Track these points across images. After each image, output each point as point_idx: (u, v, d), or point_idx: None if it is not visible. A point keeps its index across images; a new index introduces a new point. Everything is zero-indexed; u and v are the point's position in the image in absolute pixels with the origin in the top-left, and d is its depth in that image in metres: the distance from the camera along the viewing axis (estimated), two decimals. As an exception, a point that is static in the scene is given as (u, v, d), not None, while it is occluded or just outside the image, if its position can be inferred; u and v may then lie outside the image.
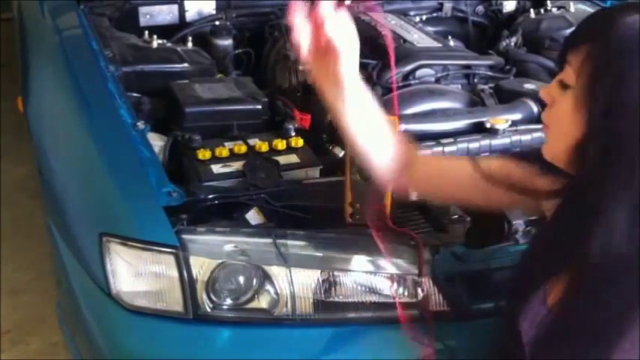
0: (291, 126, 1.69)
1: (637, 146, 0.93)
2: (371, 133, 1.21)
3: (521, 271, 1.18)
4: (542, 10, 2.44)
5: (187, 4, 2.30)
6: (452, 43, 2.22)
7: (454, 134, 1.71)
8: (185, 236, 1.31)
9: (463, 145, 1.68)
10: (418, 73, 1.92)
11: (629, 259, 0.97)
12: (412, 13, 2.45)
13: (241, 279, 1.31)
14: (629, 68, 0.93)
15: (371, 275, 1.35)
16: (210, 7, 2.33)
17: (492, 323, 1.29)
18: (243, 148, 1.61)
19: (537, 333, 1.08)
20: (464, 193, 1.27)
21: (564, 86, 1.01)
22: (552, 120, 1.05)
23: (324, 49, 1.10)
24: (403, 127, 1.61)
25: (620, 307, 0.99)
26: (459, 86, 1.95)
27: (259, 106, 1.78)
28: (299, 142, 1.65)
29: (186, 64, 1.98)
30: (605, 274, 0.99)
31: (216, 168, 1.56)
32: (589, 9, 2.43)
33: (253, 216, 1.42)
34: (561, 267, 1.07)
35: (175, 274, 1.29)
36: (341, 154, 1.64)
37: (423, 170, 1.27)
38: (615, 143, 0.95)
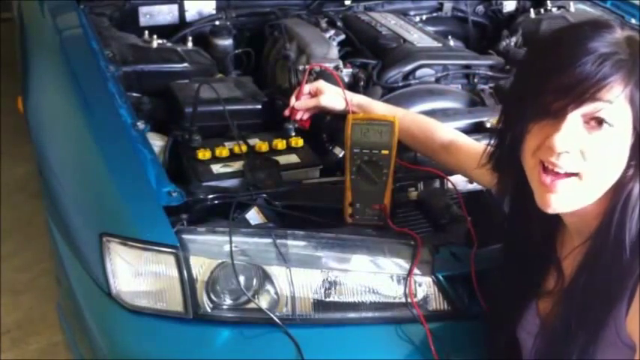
0: (291, 126, 1.69)
1: None
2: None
3: (510, 287, 1.22)
4: (542, 10, 2.44)
5: (187, 4, 2.31)
6: (452, 43, 2.22)
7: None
8: (185, 236, 1.31)
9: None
10: (418, 73, 1.92)
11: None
12: (412, 13, 2.45)
13: (241, 279, 1.31)
14: None
15: (371, 275, 1.35)
16: (210, 7, 2.33)
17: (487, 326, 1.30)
18: (244, 148, 1.61)
19: (537, 347, 1.16)
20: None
21: (600, 122, 1.00)
22: (591, 167, 1.02)
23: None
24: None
25: (605, 308, 1.04)
26: (459, 86, 1.95)
27: (259, 106, 1.79)
28: (299, 142, 1.65)
29: (186, 64, 1.98)
30: (594, 282, 1.05)
31: (216, 168, 1.56)
32: (589, 9, 2.43)
33: (253, 216, 1.42)
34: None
35: (175, 274, 1.29)
36: (341, 154, 1.64)
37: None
38: None
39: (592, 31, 1.02)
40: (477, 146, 1.47)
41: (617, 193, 1.04)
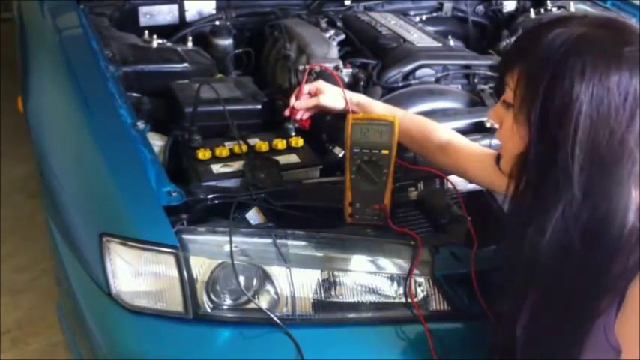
0: (291, 126, 1.69)
1: (569, 152, 1.00)
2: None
3: (508, 279, 1.22)
4: (542, 10, 2.44)
5: (187, 4, 2.31)
6: (452, 43, 2.22)
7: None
8: (185, 236, 1.31)
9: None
10: (418, 73, 1.92)
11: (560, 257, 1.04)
12: (412, 13, 2.46)
13: (241, 279, 1.31)
14: (557, 79, 1.00)
15: (371, 275, 1.35)
16: (210, 7, 2.33)
17: (490, 325, 1.30)
18: (244, 148, 1.61)
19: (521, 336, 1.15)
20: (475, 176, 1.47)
21: (507, 105, 1.11)
22: (503, 138, 1.16)
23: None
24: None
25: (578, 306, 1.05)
26: (459, 86, 1.95)
27: (259, 106, 1.79)
28: (299, 142, 1.65)
29: (186, 64, 1.98)
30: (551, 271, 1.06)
31: (216, 168, 1.56)
32: (589, 9, 2.43)
33: (253, 216, 1.42)
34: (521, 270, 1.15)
35: (175, 274, 1.29)
36: (341, 154, 1.64)
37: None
38: (551, 151, 1.02)
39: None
40: (475, 147, 1.48)
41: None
